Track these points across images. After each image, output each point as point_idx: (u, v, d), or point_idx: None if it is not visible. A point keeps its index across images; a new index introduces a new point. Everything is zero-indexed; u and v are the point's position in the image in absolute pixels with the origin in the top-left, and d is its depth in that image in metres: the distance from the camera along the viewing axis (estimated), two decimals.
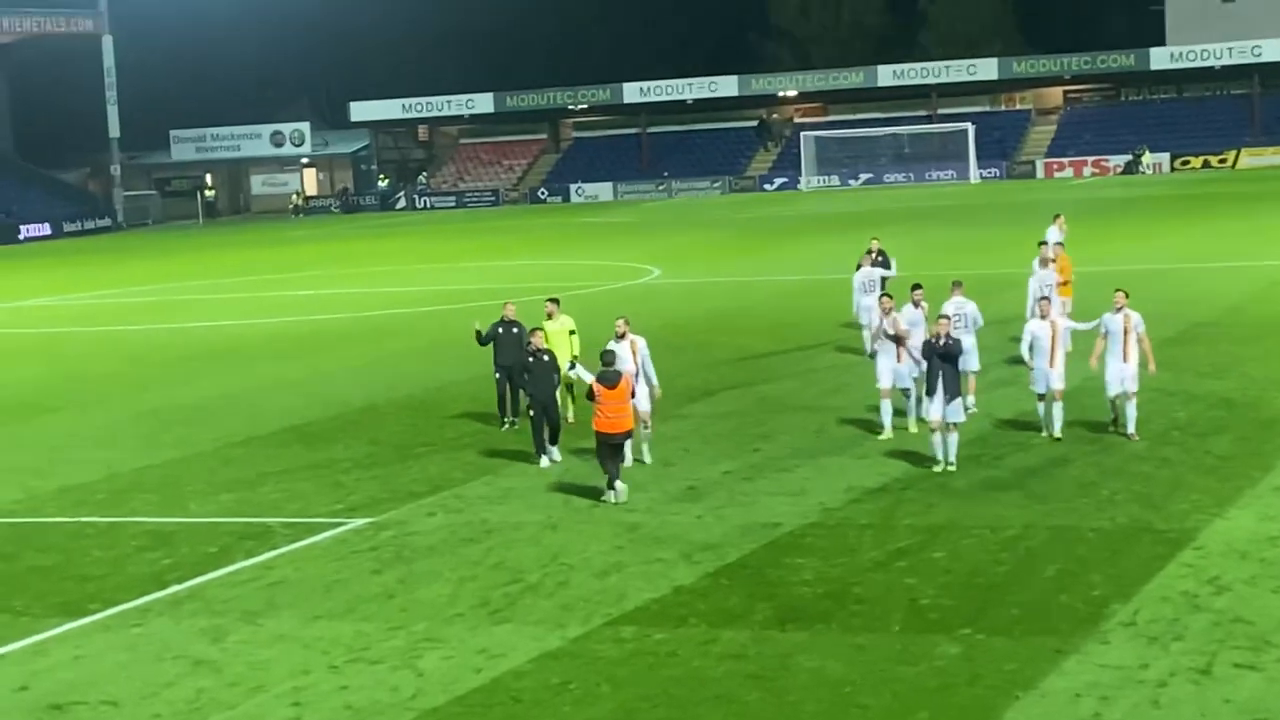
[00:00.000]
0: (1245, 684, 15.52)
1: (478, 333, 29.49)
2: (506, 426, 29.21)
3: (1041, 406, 26.31)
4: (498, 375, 29.33)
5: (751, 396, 31.74)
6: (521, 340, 28.30)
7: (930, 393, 24.54)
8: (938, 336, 24.51)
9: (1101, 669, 16.08)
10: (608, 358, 23.91)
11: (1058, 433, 25.91)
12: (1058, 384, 25.82)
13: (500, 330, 29.36)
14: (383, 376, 37.39)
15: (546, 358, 26.34)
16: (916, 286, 28.54)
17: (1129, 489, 22.77)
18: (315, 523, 23.62)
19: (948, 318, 25.65)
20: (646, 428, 25.97)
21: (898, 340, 26.85)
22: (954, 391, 24.23)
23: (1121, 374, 25.67)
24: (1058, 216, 43.03)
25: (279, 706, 16.36)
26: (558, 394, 26.97)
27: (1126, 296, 26.19)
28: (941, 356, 24.27)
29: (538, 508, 23.79)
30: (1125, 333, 25.68)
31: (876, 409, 27.63)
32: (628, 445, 24.77)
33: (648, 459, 25.85)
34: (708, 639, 17.62)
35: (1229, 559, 19.42)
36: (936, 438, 24.44)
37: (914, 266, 41.56)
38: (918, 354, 25.80)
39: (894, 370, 26.95)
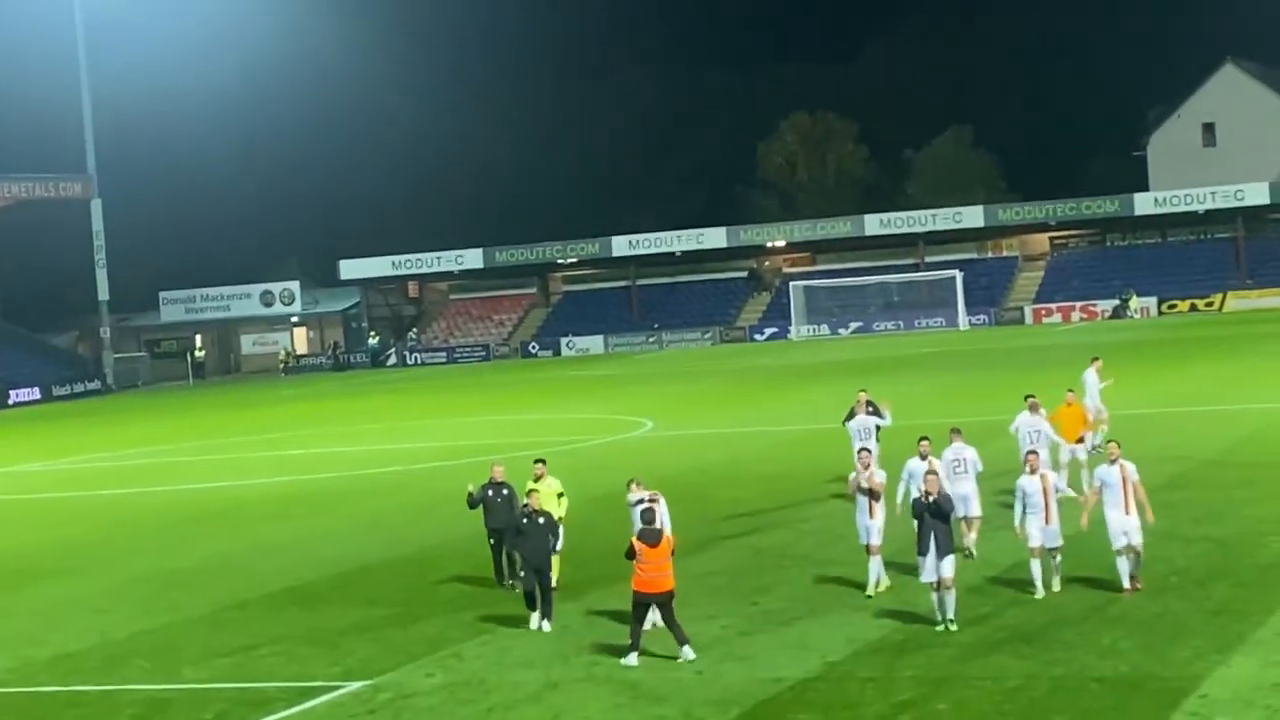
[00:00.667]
0: None
1: (470, 495, 29.26)
2: (508, 586, 28.66)
3: (1035, 565, 25.55)
4: (491, 540, 29.01)
5: (747, 549, 31.66)
6: (512, 502, 28.22)
7: (923, 552, 24.04)
8: (927, 494, 24.23)
9: None
10: (648, 515, 23.66)
11: (1056, 587, 25.51)
12: (1055, 541, 25.49)
13: (489, 493, 29.01)
14: (377, 536, 37.28)
15: (542, 520, 26.01)
16: (923, 438, 28.64)
17: (1130, 637, 22.68)
18: (312, 686, 23.46)
19: (935, 474, 25.40)
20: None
21: (871, 495, 26.63)
22: (946, 549, 23.84)
23: (1124, 526, 25.19)
24: (1096, 360, 43.20)
25: None
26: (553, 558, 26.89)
27: (1119, 447, 25.94)
28: (932, 514, 23.96)
29: (537, 666, 23.63)
30: (1123, 483, 25.34)
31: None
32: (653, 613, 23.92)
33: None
34: None
35: (1234, 707, 19.31)
36: (935, 597, 24.08)
37: (907, 415, 41.56)
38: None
39: (867, 527, 26.75)
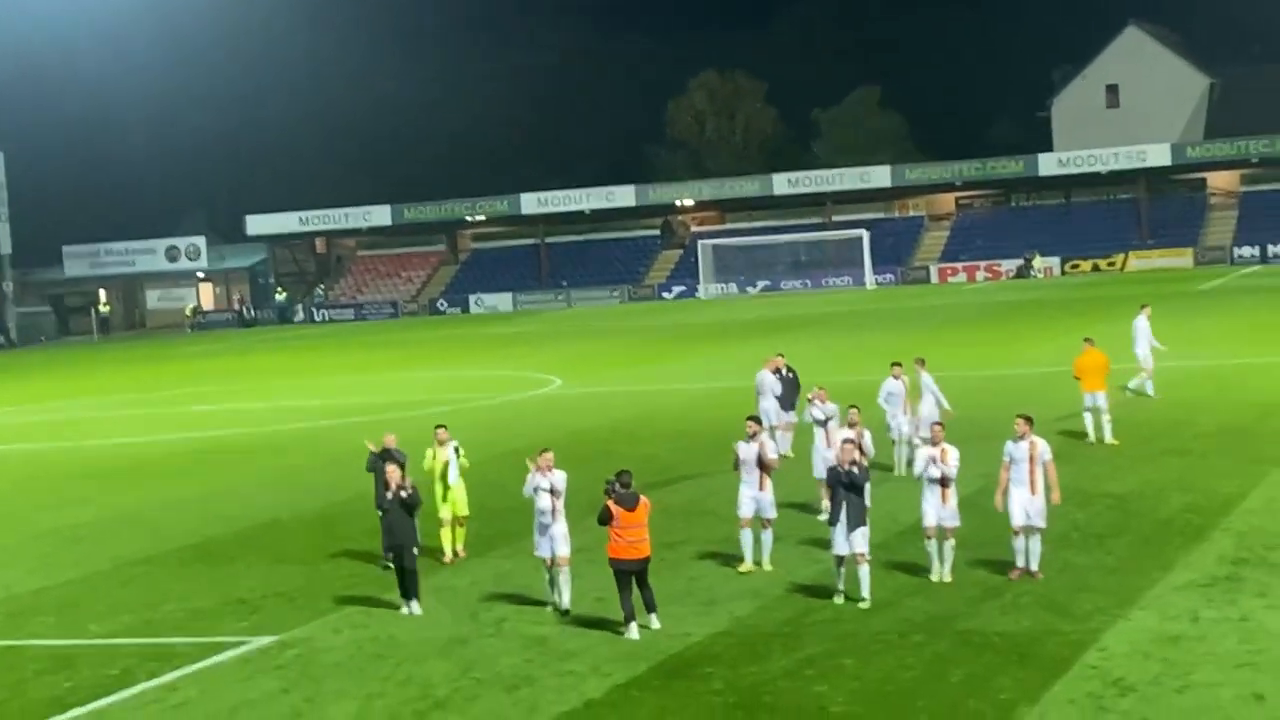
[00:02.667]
0: None
1: (370, 453, 27.97)
2: (386, 561, 26.29)
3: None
4: (381, 513, 25.65)
5: (656, 506, 31.72)
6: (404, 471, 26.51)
7: (834, 522, 23.17)
8: (841, 464, 23.19)
9: None
10: (625, 478, 22.42)
11: (948, 576, 23.82)
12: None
13: (380, 462, 26.88)
14: (285, 491, 37.18)
15: (405, 494, 24.02)
16: (853, 407, 27.77)
17: (1032, 592, 22.95)
18: (219, 642, 23.39)
19: (852, 442, 24.16)
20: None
21: (764, 468, 25.37)
22: (858, 522, 22.87)
23: (1027, 506, 23.79)
24: (1145, 307, 43.96)
25: None
26: (444, 532, 26.83)
27: (1030, 423, 24.12)
28: (846, 485, 23.02)
29: (445, 622, 23.66)
30: (1030, 460, 23.81)
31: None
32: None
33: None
34: None
35: (1133, 660, 19.60)
36: (840, 571, 23.27)
37: (815, 374, 41.79)
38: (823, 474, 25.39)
39: (756, 499, 25.39)
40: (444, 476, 27.52)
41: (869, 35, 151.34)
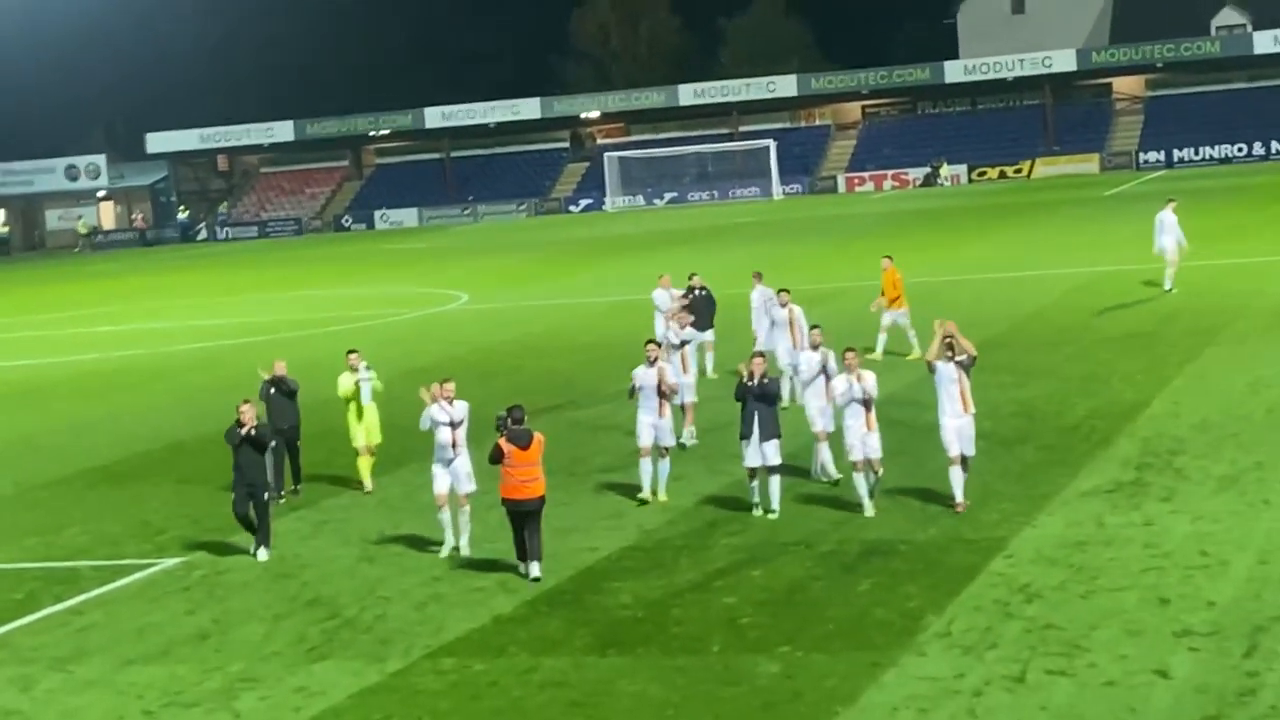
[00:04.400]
0: (1058, 690, 15.77)
1: (262, 380, 26.84)
2: (281, 499, 25.83)
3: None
4: (273, 442, 24.73)
5: (563, 421, 31.70)
6: (294, 398, 26.25)
7: (745, 436, 22.86)
8: (751, 374, 22.89)
9: (919, 681, 16.25)
10: (518, 414, 20.99)
11: (870, 511, 22.56)
12: (969, 449, 22.57)
13: (271, 390, 26.31)
14: (188, 413, 36.85)
15: (255, 432, 22.81)
16: (814, 327, 25.61)
17: (938, 501, 23.04)
18: (124, 565, 23.22)
19: (762, 355, 24.01)
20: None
21: (663, 395, 24.47)
22: (770, 433, 22.67)
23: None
24: (1171, 200, 44.33)
25: None
26: (361, 461, 26.42)
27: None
28: (757, 397, 22.79)
29: (352, 541, 23.57)
30: (956, 382, 22.56)
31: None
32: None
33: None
34: (528, 668, 17.55)
35: (1038, 566, 19.74)
36: (754, 484, 23.16)
37: (725, 284, 41.69)
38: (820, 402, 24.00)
39: (655, 426, 24.39)
40: (357, 401, 26.46)
41: None
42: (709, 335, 34.43)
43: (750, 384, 22.95)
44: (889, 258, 37.06)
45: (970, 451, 22.69)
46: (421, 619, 19.52)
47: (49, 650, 19.55)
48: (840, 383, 22.96)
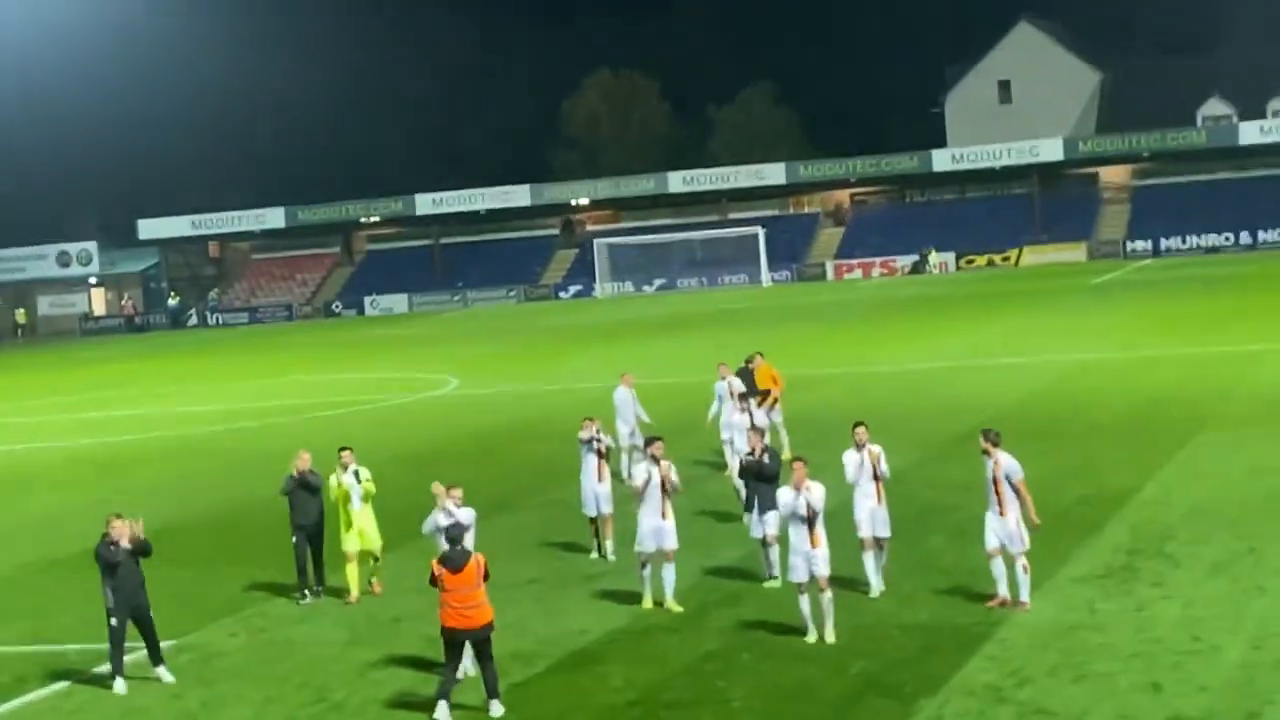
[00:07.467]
0: None
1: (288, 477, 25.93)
2: (306, 599, 25.27)
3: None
4: (295, 539, 25.20)
5: (554, 505, 31.67)
6: (323, 496, 25.31)
7: (749, 509, 24.19)
8: (753, 450, 23.83)
9: None
10: (454, 531, 19.40)
11: (830, 636, 20.78)
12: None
13: (296, 485, 25.43)
14: (180, 496, 36.80)
15: (139, 543, 21.97)
16: (859, 424, 23.65)
17: (930, 585, 23.01)
18: None
19: (760, 430, 25.00)
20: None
21: (666, 493, 23.05)
22: (768, 506, 22.76)
23: (1001, 532, 21.86)
24: None
25: None
26: (349, 568, 24.96)
27: (991, 441, 22.23)
28: (756, 476, 23.69)
29: (342, 624, 23.50)
30: (996, 482, 22.01)
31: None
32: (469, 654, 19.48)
33: None
34: None
35: (1030, 650, 19.71)
36: (773, 553, 23.47)
37: (710, 370, 41.69)
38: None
39: (657, 531, 22.86)
40: (347, 505, 25.10)
41: (761, 31, 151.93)
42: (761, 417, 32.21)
43: (749, 461, 23.75)
44: (759, 354, 36.19)
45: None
46: (413, 701, 19.43)
47: None
48: (785, 494, 21.13)
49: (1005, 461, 21.91)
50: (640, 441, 29.71)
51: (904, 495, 27.90)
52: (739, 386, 32.94)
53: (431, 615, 22.10)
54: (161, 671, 21.49)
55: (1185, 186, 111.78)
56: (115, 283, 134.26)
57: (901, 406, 41.63)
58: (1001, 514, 21.78)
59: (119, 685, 21.07)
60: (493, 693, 18.89)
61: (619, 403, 34.02)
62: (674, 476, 23.16)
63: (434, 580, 18.99)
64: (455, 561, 18.93)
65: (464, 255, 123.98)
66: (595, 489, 26.53)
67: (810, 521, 20.75)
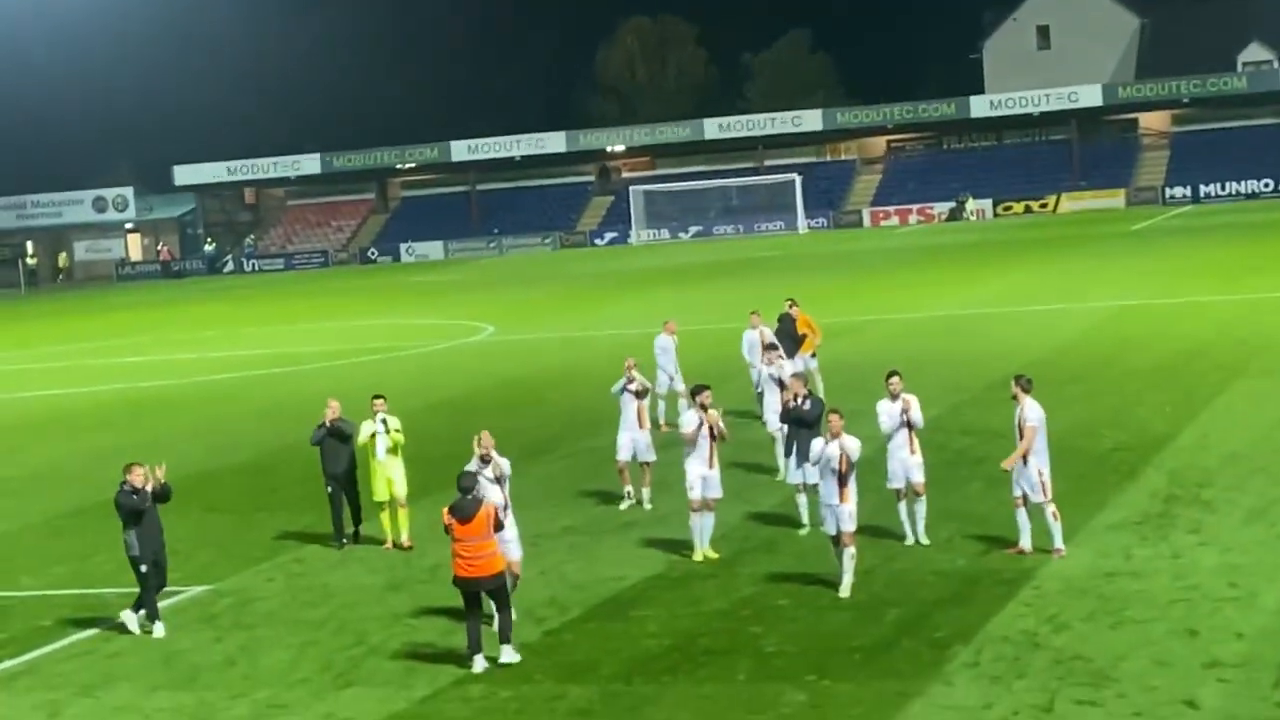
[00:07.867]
0: None
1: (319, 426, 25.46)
2: (344, 544, 25.14)
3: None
4: (329, 488, 25.16)
5: (589, 452, 31.69)
6: (353, 445, 25.05)
7: (789, 454, 24.07)
8: (794, 397, 23.49)
9: (946, 710, 16.20)
10: (465, 481, 19.17)
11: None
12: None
13: (326, 435, 25.17)
14: (217, 441, 36.92)
15: (158, 488, 21.67)
16: (894, 374, 23.14)
17: (967, 530, 22.98)
18: None
19: (800, 376, 24.94)
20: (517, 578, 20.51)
21: (713, 440, 22.89)
22: (807, 454, 21.89)
23: (1024, 480, 21.61)
24: None
25: None
26: (382, 516, 24.92)
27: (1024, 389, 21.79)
28: (796, 421, 23.28)
29: (379, 570, 23.57)
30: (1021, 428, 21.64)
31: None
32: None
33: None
34: (555, 695, 17.53)
35: (1067, 597, 19.66)
36: (801, 499, 23.56)
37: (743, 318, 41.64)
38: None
39: (704, 478, 22.69)
40: (375, 453, 24.86)
41: None
42: (798, 363, 32.64)
43: (791, 406, 23.57)
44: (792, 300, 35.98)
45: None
46: (449, 646, 19.49)
47: (77, 677, 19.59)
48: (818, 444, 20.91)
49: (1026, 406, 21.63)
50: (681, 388, 29.74)
51: (940, 442, 27.90)
52: (769, 337, 32.78)
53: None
54: (157, 626, 21.11)
55: (1225, 132, 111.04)
56: (151, 228, 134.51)
57: (938, 353, 41.51)
58: (1025, 463, 21.60)
59: (158, 629, 21.14)
60: (504, 638, 18.78)
61: (660, 350, 33.86)
62: (722, 425, 22.95)
63: (447, 529, 18.91)
64: (465, 511, 18.77)
65: (499, 202, 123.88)
66: (636, 436, 26.35)
67: (843, 478, 20.44)
